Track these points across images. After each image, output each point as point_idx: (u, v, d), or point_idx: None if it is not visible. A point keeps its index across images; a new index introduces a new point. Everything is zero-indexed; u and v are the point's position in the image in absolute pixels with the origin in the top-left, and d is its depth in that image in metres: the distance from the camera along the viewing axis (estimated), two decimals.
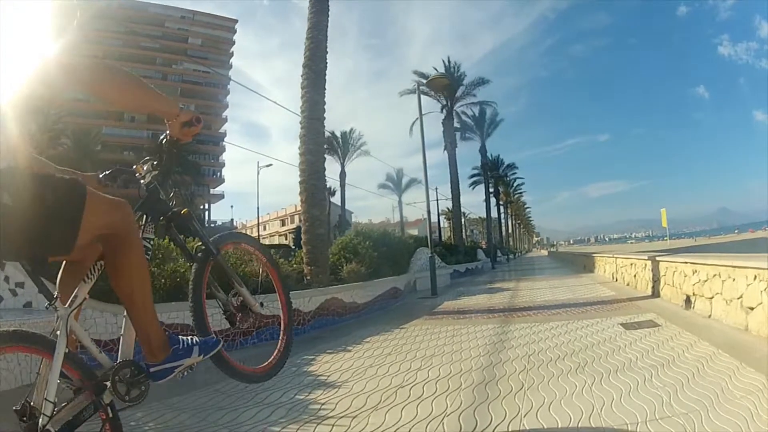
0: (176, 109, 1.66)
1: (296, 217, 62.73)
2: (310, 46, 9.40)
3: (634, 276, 9.36)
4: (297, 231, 41.45)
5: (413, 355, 4.54)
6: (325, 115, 9.61)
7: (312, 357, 4.85)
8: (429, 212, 12.36)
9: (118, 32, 47.94)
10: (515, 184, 68.53)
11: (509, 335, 5.27)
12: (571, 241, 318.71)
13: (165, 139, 1.77)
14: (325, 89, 9.61)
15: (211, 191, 55.47)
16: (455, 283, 16.20)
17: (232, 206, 70.48)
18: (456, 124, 31.89)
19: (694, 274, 5.89)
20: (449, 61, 29.30)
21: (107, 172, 1.79)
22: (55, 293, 1.55)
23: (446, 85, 10.72)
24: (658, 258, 7.72)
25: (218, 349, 1.76)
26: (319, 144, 9.39)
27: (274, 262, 2.29)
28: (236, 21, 60.50)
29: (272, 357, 2.11)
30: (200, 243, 1.92)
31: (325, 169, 9.33)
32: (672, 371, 3.23)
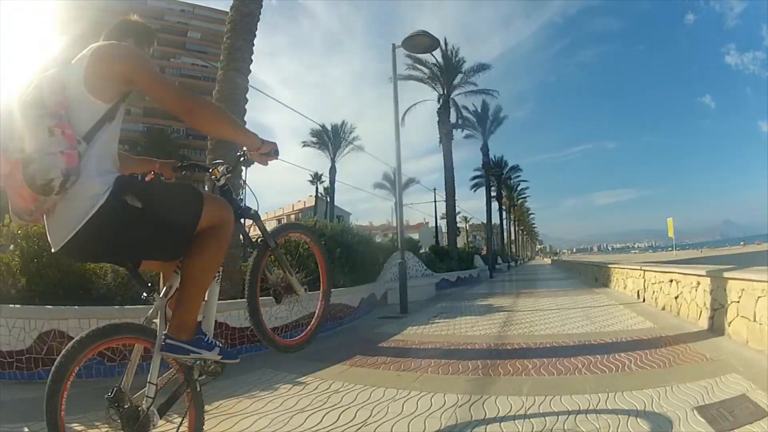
0: (258, 142, 2.00)
1: (293, 217, 60.89)
2: None
3: (676, 298, 6.63)
4: None
5: None
6: (251, 68, 7.00)
7: None
8: (400, 203, 9.60)
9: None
10: (519, 188, 66.04)
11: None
12: (574, 250, 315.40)
13: (243, 157, 2.12)
14: (254, 36, 7.02)
15: None
16: (441, 295, 13.47)
17: None
18: (457, 120, 29.27)
19: None
20: (446, 44, 26.52)
21: (185, 164, 2.16)
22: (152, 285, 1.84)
23: (428, 45, 7.69)
24: (726, 274, 5.00)
25: (231, 363, 1.99)
26: (239, 107, 6.77)
27: (323, 250, 2.71)
28: None
29: (303, 334, 2.52)
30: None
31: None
32: None
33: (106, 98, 1.65)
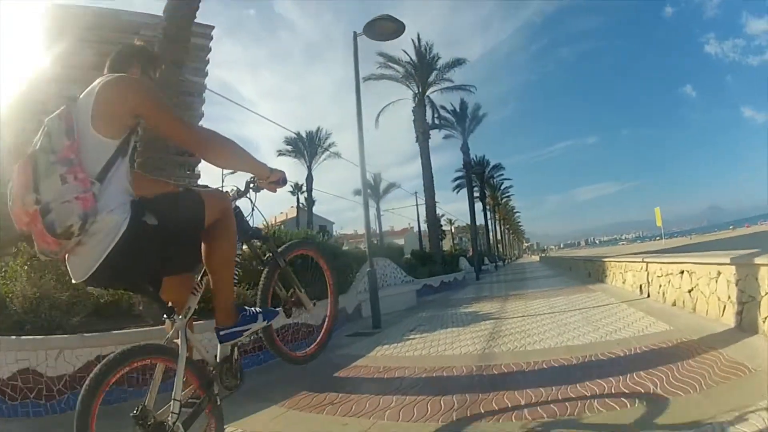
0: (267, 171, 2.13)
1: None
2: None
3: (690, 292, 5.69)
4: None
5: None
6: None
7: None
8: (365, 203, 8.55)
9: (91, 41, 47.15)
10: (502, 187, 65.53)
11: None
12: (562, 245, 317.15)
13: (253, 184, 2.26)
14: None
15: None
16: (423, 303, 12.43)
17: None
18: (434, 119, 28.36)
19: None
20: (419, 40, 25.61)
21: (195, 189, 2.19)
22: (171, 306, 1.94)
23: (393, 30, 6.64)
24: (757, 260, 4.05)
25: (278, 317, 2.29)
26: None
27: (330, 265, 2.90)
28: (212, 27, 60.82)
29: (313, 345, 2.68)
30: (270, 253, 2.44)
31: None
32: None
33: (116, 135, 1.69)
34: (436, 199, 23.52)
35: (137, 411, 1.67)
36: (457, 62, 26.64)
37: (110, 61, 1.98)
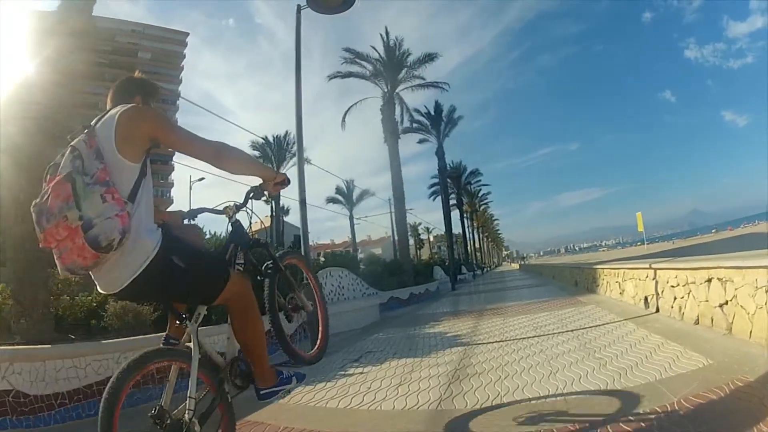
0: (273, 173, 2.36)
1: None
2: None
3: (722, 306, 4.28)
4: None
5: None
6: None
7: None
8: (302, 199, 6.99)
9: (73, 48, 46.11)
10: (480, 194, 64.59)
11: None
12: (541, 253, 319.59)
13: (253, 192, 2.43)
14: None
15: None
16: (387, 319, 10.88)
17: None
18: (402, 116, 26.90)
19: None
20: (387, 35, 24.17)
21: (195, 210, 2.48)
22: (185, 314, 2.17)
23: (339, 3, 4.96)
24: None
25: (304, 380, 2.56)
26: None
27: (316, 275, 3.26)
28: (187, 34, 61.71)
29: (316, 348, 2.86)
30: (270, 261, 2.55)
31: None
32: None
33: (136, 159, 1.88)
34: (410, 207, 22.21)
35: (155, 411, 1.82)
36: (429, 57, 25.20)
37: (114, 93, 2.17)
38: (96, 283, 1.92)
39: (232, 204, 2.42)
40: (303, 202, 7.01)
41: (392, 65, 24.19)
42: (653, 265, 5.98)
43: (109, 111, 1.98)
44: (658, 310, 5.91)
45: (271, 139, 44.48)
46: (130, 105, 1.99)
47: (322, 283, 3.48)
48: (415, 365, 4.78)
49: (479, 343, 5.58)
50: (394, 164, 20.62)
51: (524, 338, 5.46)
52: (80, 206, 1.68)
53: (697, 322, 4.85)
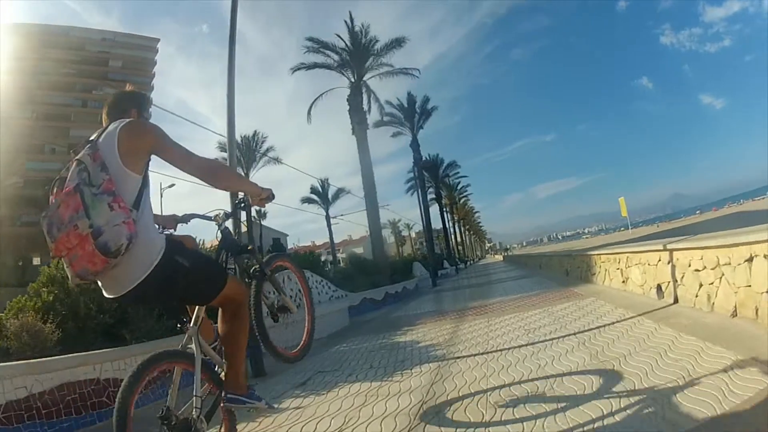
0: (259, 190, 2.46)
1: None
2: None
3: None
4: None
5: None
6: None
7: None
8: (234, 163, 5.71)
9: (38, 59, 48.41)
10: (459, 186, 63.79)
11: None
12: (524, 243, 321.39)
13: (243, 203, 2.61)
14: None
15: None
16: (357, 324, 9.73)
17: None
18: (378, 114, 25.72)
19: None
20: (352, 21, 22.90)
21: (187, 215, 2.62)
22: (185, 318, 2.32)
23: None
24: None
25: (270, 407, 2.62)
26: None
27: (304, 275, 3.38)
28: (158, 40, 61.45)
29: (299, 347, 2.91)
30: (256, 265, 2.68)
31: None
32: None
33: (138, 170, 2.00)
34: (387, 203, 20.94)
35: (163, 412, 1.92)
36: (397, 42, 23.97)
37: (109, 108, 2.24)
38: (103, 288, 2.03)
39: (221, 212, 2.59)
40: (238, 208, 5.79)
41: (358, 53, 22.98)
42: (668, 246, 4.90)
43: (108, 126, 2.09)
44: (676, 301, 4.85)
45: (239, 139, 42.91)
46: (128, 120, 2.11)
47: (311, 288, 3.45)
48: (370, 394, 3.61)
49: (456, 357, 4.42)
50: (363, 156, 19.45)
51: (513, 348, 4.32)
52: (90, 215, 1.80)
53: (734, 314, 3.81)
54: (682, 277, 4.70)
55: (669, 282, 4.99)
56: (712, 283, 4.19)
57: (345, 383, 4.20)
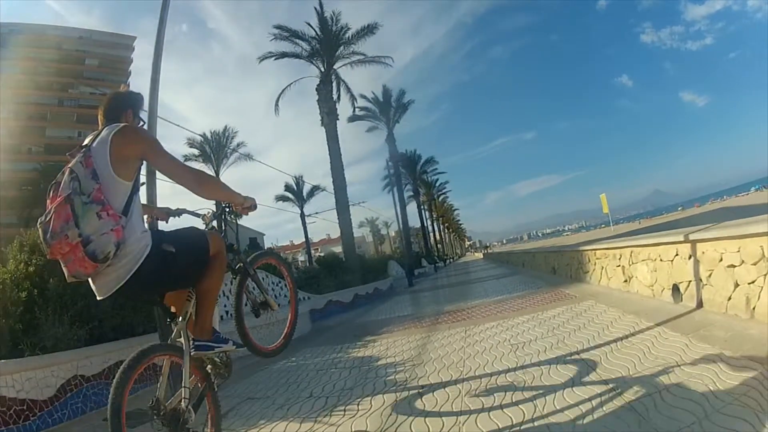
0: (242, 199, 2.51)
1: None
2: None
3: None
4: None
5: None
6: None
7: None
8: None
9: (14, 59, 47.67)
10: (438, 183, 62.94)
11: None
12: (504, 241, 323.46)
13: (228, 209, 2.66)
14: None
15: None
16: (318, 330, 8.69)
17: None
18: (350, 105, 24.56)
19: None
20: (322, 8, 21.64)
21: (179, 209, 2.79)
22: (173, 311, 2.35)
23: None
24: None
25: (239, 348, 2.53)
26: None
27: (290, 271, 3.54)
28: (134, 38, 60.88)
29: (278, 342, 2.92)
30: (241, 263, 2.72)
31: None
32: None
33: (128, 177, 2.04)
34: (363, 201, 19.78)
35: (152, 402, 1.94)
36: (369, 29, 22.75)
37: (104, 111, 2.23)
38: (94, 289, 2.05)
39: (209, 212, 2.68)
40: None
41: (328, 40, 21.78)
42: (691, 236, 3.94)
43: (102, 131, 2.11)
44: (700, 305, 3.90)
45: (209, 135, 41.34)
46: (121, 125, 2.11)
47: (297, 290, 3.36)
48: None
49: (422, 386, 3.38)
50: (333, 145, 18.30)
51: (498, 373, 3.29)
52: (79, 225, 1.85)
53: None
54: (710, 276, 3.75)
55: (690, 281, 4.04)
56: (751, 283, 3.25)
57: (271, 420, 3.20)
